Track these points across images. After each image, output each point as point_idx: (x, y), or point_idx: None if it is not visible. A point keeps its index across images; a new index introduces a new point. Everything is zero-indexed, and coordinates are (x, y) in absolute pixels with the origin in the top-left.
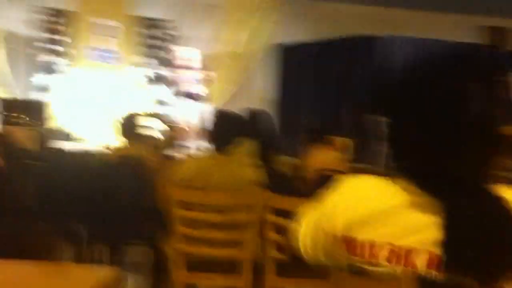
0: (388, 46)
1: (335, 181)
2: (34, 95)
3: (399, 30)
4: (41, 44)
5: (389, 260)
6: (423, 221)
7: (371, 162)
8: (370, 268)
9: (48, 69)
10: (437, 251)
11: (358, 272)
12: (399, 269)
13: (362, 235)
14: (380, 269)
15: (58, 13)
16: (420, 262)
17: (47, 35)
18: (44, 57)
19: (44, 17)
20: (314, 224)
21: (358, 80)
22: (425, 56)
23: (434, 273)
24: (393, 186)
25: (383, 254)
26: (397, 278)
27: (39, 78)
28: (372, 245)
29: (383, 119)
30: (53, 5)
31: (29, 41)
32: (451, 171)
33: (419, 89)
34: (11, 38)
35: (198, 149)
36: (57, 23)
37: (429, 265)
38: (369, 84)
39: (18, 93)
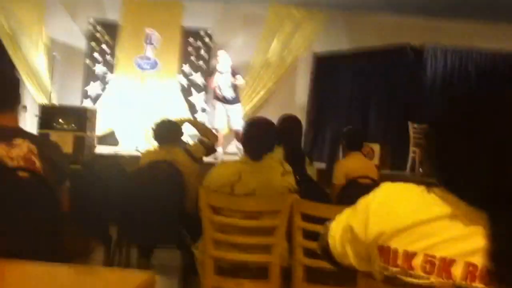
0: (429, 56)
1: (368, 188)
2: (85, 103)
3: (441, 40)
4: (92, 54)
5: (424, 269)
6: (463, 232)
7: (404, 170)
8: (404, 277)
9: (97, 77)
10: (478, 262)
11: (390, 280)
12: (435, 279)
13: (397, 243)
14: (414, 279)
15: (106, 24)
16: (458, 273)
17: (97, 46)
18: (94, 67)
19: (96, 29)
20: (347, 222)
21: (394, 89)
22: (471, 67)
23: (474, 285)
24: (431, 195)
25: (419, 263)
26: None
27: (89, 87)
28: (407, 254)
29: (422, 128)
30: (101, 16)
31: (81, 52)
32: (503, 185)
33: (471, 102)
34: (65, 49)
35: (231, 154)
36: (105, 34)
37: (468, 276)
38: (407, 93)
39: (70, 101)
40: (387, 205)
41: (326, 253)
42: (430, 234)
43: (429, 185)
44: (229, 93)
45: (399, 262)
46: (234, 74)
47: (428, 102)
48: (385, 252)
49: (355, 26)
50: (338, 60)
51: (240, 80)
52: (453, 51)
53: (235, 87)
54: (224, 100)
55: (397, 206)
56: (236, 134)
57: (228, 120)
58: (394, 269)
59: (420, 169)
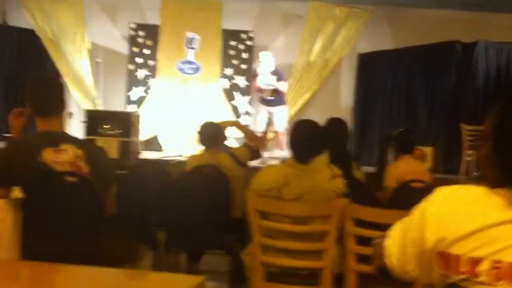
0: (480, 52)
1: (420, 192)
2: (128, 108)
3: (493, 35)
4: (134, 59)
5: (491, 276)
6: None
7: (457, 173)
8: (467, 285)
9: (139, 82)
10: None
11: (450, 287)
12: (503, 286)
13: (460, 250)
14: (479, 286)
15: (147, 28)
16: None
17: (138, 50)
18: (136, 72)
19: (137, 33)
20: (402, 234)
21: (443, 88)
22: None
23: None
24: (496, 197)
25: (484, 270)
26: None
27: (132, 92)
28: (472, 261)
29: (478, 130)
30: (142, 20)
31: (123, 57)
32: None
33: None
34: (107, 54)
35: (277, 158)
36: (146, 38)
37: None
38: (457, 92)
39: (114, 106)
40: (446, 210)
41: (384, 272)
42: (498, 238)
43: (492, 186)
44: (270, 95)
45: (462, 269)
46: (277, 76)
47: (481, 102)
48: (445, 259)
49: (399, 23)
50: (383, 59)
51: (282, 85)
52: (507, 46)
53: (278, 91)
54: (267, 103)
55: (457, 210)
56: (281, 139)
57: (272, 123)
58: (457, 276)
59: (474, 173)
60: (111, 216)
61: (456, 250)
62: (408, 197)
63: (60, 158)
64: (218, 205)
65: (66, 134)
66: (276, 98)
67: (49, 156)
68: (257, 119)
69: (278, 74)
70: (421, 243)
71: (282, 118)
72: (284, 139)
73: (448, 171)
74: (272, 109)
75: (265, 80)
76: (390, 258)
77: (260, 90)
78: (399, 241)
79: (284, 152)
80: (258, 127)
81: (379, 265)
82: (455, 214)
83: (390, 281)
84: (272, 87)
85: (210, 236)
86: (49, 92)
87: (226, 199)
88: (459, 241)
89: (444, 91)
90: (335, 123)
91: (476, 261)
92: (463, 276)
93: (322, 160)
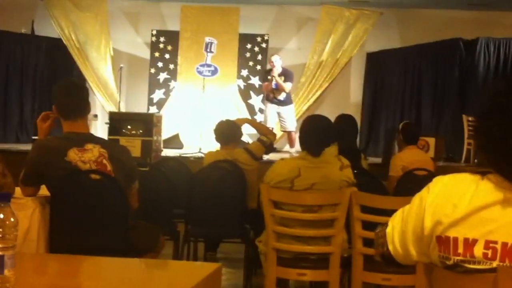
0: (481, 48)
1: (424, 180)
2: (151, 110)
3: (493, 32)
4: (155, 63)
5: (486, 255)
6: None
7: (459, 162)
8: (466, 264)
9: (161, 85)
10: None
11: (451, 268)
12: (496, 264)
13: (457, 233)
14: (477, 266)
15: (168, 34)
16: None
17: (160, 55)
18: (158, 76)
19: (158, 39)
20: (403, 222)
21: (447, 83)
22: None
23: None
24: (486, 182)
25: (480, 250)
26: (494, 273)
27: (154, 94)
28: (467, 242)
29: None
30: (162, 27)
31: (145, 62)
32: None
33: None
34: (130, 59)
35: (289, 152)
36: (167, 43)
37: None
38: (460, 87)
39: (137, 108)
40: (442, 196)
41: (388, 259)
42: (489, 219)
43: (484, 173)
44: (281, 95)
45: (460, 250)
46: (285, 77)
47: (482, 95)
48: (444, 242)
49: (405, 23)
50: (390, 57)
51: (287, 85)
52: (506, 43)
53: (290, 89)
54: (277, 102)
55: (452, 196)
56: (292, 134)
57: (282, 121)
58: (456, 258)
59: (476, 160)
60: (135, 210)
61: (452, 233)
62: (412, 184)
63: (85, 157)
64: (234, 197)
65: (91, 134)
66: (283, 97)
67: (75, 155)
68: (268, 117)
69: (285, 75)
70: (420, 229)
71: (291, 116)
72: (295, 137)
73: (450, 160)
74: (281, 108)
75: (278, 79)
76: (392, 244)
77: (272, 90)
78: (400, 228)
79: (294, 149)
80: (269, 124)
81: (382, 252)
82: (450, 199)
83: (394, 265)
84: (284, 86)
85: (228, 225)
86: (74, 96)
87: (242, 191)
88: (454, 224)
89: (448, 85)
90: (344, 119)
91: (472, 243)
92: (461, 257)
93: (331, 151)
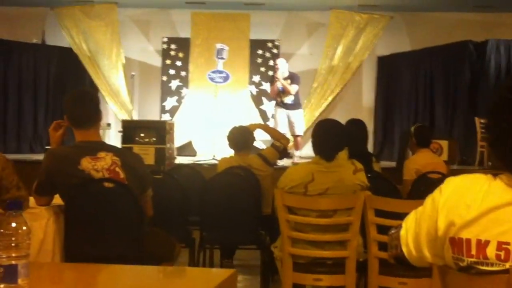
0: (492, 50)
1: (438, 182)
2: (163, 117)
3: (503, 34)
4: (167, 71)
5: (499, 257)
6: None
7: (472, 164)
8: (479, 266)
9: (173, 93)
10: None
11: (465, 270)
12: (509, 266)
13: (469, 234)
14: (490, 267)
15: (179, 41)
16: None
17: (171, 62)
18: (170, 83)
19: (169, 46)
20: (416, 224)
21: (458, 86)
22: None
23: None
24: (498, 182)
25: (493, 251)
26: (507, 274)
27: (166, 102)
28: (480, 243)
29: (486, 116)
30: (173, 34)
31: (157, 69)
32: None
33: None
34: (142, 67)
35: (302, 157)
36: (178, 50)
37: None
38: (471, 89)
39: (149, 116)
40: (455, 197)
41: (401, 261)
42: (502, 220)
43: (496, 174)
44: (288, 98)
45: (473, 252)
46: (291, 80)
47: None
48: (457, 243)
49: (415, 27)
50: (401, 61)
51: (293, 88)
52: None
53: (301, 94)
54: (286, 106)
55: (465, 196)
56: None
57: (292, 126)
58: (469, 259)
59: (489, 163)
60: (150, 218)
61: (465, 234)
62: (426, 187)
63: (98, 166)
64: (249, 203)
65: (103, 142)
66: (291, 100)
67: (88, 164)
68: (278, 121)
69: (292, 78)
70: (433, 231)
71: (300, 121)
72: (301, 142)
73: (464, 163)
74: (291, 112)
75: (279, 84)
76: (406, 247)
77: (279, 94)
78: (414, 230)
79: (300, 152)
80: (280, 129)
81: (396, 254)
82: (462, 200)
83: (408, 268)
84: (295, 92)
85: (243, 231)
86: (84, 105)
87: (256, 197)
88: (467, 225)
89: (460, 88)
90: (353, 123)
91: (484, 244)
92: (474, 259)
93: (343, 155)
